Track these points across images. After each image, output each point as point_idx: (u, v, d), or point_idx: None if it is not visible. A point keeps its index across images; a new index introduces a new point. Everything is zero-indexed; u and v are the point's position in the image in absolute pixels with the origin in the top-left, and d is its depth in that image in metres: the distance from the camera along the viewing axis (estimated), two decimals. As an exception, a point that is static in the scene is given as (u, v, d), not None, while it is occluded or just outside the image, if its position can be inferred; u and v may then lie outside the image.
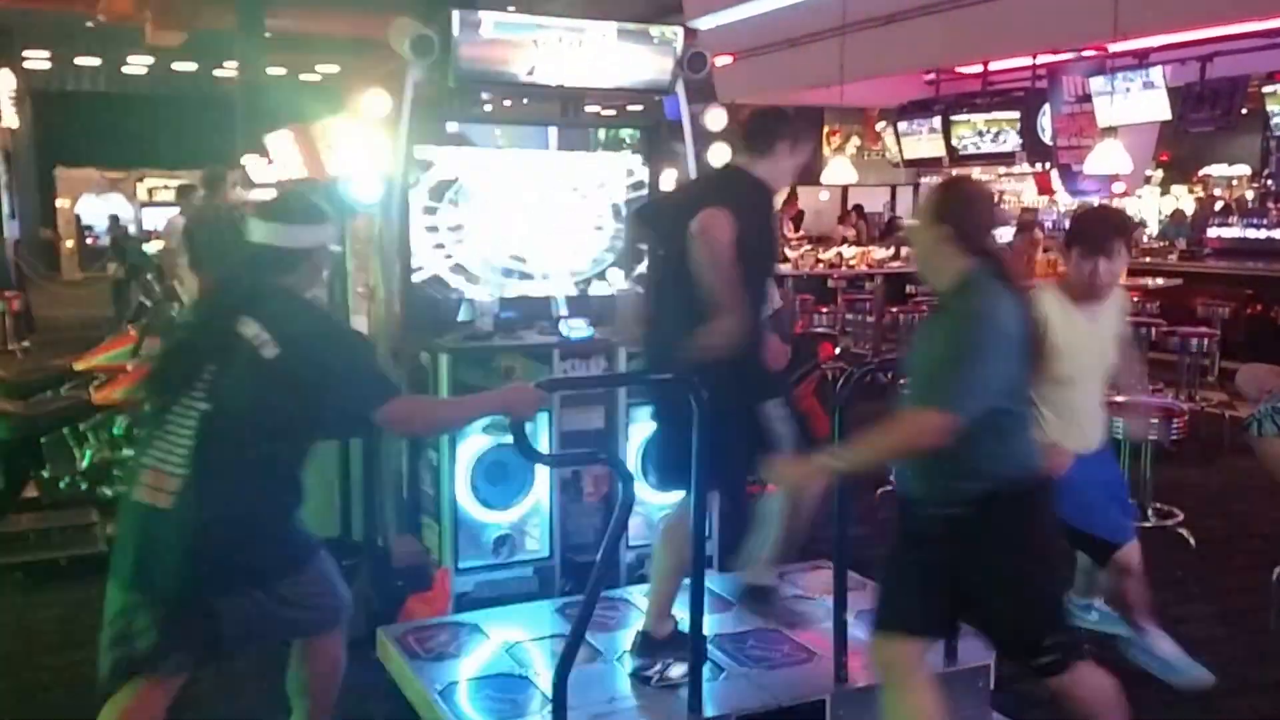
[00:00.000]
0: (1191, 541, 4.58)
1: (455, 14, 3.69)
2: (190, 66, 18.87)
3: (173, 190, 15.92)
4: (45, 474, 4.62)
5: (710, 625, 3.36)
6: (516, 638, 3.42)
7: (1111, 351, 3.40)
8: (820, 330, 7.70)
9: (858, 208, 16.00)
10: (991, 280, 2.45)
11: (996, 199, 3.09)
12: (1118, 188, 10.46)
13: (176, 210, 9.85)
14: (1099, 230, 3.33)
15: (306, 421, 2.57)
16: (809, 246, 11.00)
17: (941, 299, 2.56)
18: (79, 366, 5.32)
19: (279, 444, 2.51)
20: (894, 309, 9.21)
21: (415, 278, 3.89)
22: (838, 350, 6.89)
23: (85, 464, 4.68)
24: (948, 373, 2.41)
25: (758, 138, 3.20)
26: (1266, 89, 8.64)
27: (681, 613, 3.13)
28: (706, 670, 3.06)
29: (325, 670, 2.82)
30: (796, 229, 12.64)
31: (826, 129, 19.05)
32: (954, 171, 13.36)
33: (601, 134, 4.56)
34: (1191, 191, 16.83)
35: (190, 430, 2.40)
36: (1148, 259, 10.62)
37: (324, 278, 2.84)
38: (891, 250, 10.52)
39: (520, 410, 2.75)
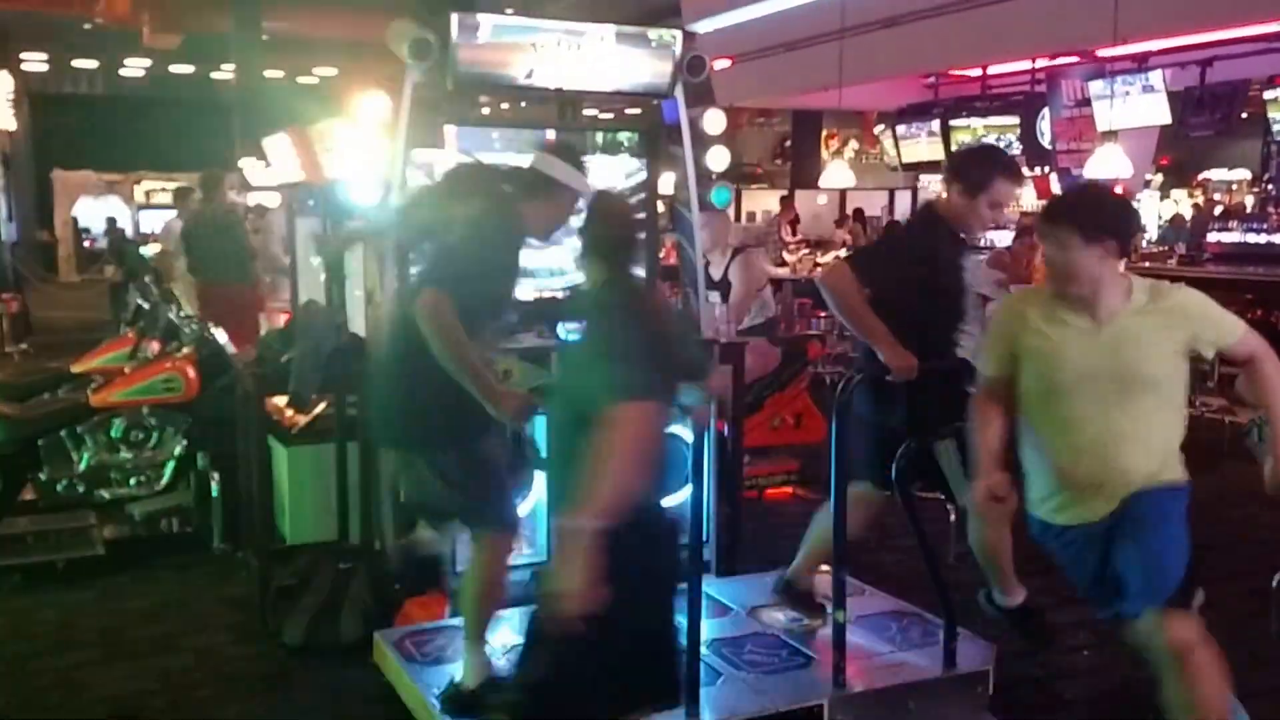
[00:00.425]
0: (1191, 547, 4.56)
1: (454, 17, 3.67)
2: (188, 69, 18.86)
3: (170, 193, 15.89)
4: (43, 477, 4.61)
5: (708, 630, 3.37)
6: (514, 642, 3.41)
7: (1148, 370, 2.64)
8: (813, 333, 7.70)
9: (857, 211, 16.00)
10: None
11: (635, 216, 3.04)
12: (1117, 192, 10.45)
13: (174, 213, 9.87)
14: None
15: None
16: (807, 250, 11.00)
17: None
18: (76, 369, 5.31)
19: None
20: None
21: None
22: (826, 350, 6.91)
23: (83, 466, 4.67)
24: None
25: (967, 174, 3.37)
26: (1267, 94, 8.64)
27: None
28: (704, 674, 3.06)
29: None
30: (794, 233, 12.65)
31: (825, 132, 19.11)
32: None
33: (600, 137, 4.54)
34: (1191, 196, 16.85)
35: None
36: (1147, 264, 10.61)
37: None
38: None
39: (504, 413, 2.75)
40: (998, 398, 2.78)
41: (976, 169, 3.36)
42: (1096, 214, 2.63)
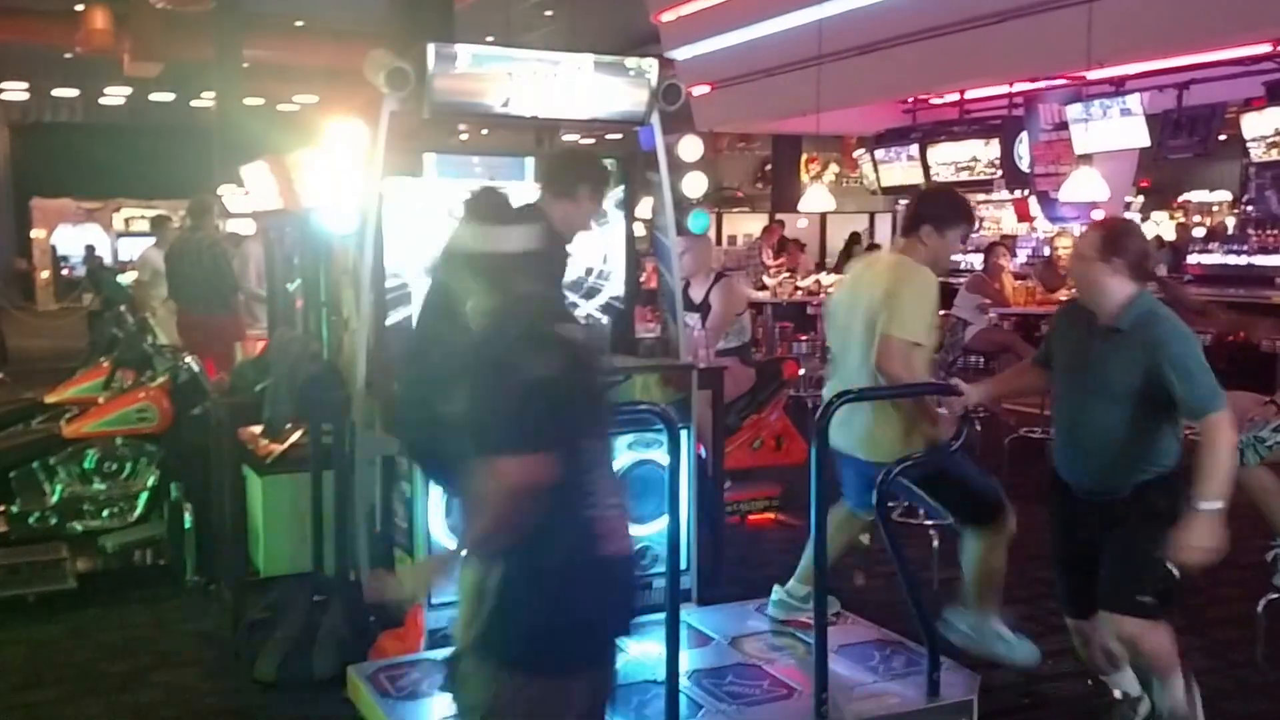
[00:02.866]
0: (1175, 573, 4.54)
1: (430, 47, 3.68)
2: (168, 97, 18.87)
3: (149, 221, 15.87)
4: (14, 509, 4.54)
5: (688, 660, 3.32)
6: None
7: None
8: (790, 356, 7.73)
9: (854, 235, 16.17)
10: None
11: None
12: (1097, 214, 10.53)
13: (151, 242, 9.80)
14: None
15: None
16: (788, 274, 11.02)
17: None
18: (50, 399, 5.24)
19: None
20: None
21: (390, 310, 3.86)
22: (802, 371, 6.93)
23: (55, 498, 4.60)
24: (1197, 372, 2.89)
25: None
26: (1244, 116, 8.73)
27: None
28: (684, 707, 3.01)
29: None
30: (776, 256, 12.65)
31: (805, 156, 19.25)
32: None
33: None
34: (1173, 218, 16.97)
35: None
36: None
37: None
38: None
39: None
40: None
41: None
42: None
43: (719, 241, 16.70)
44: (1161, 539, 2.87)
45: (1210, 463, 2.82)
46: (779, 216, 16.06)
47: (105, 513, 4.64)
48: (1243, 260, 11.72)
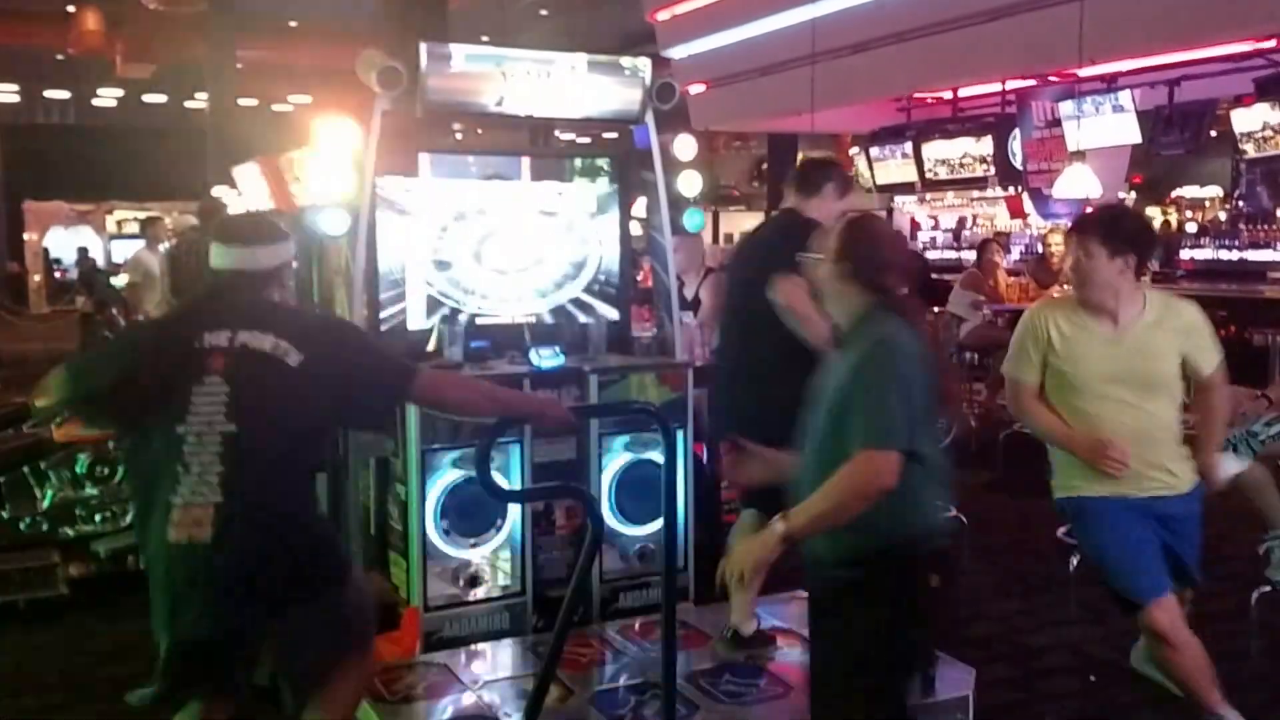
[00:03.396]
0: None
1: (423, 46, 3.66)
2: (160, 98, 18.82)
3: (140, 223, 15.77)
4: (4, 514, 4.51)
5: (685, 661, 3.32)
6: (487, 678, 3.35)
7: (1162, 372, 3.06)
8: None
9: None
10: (889, 314, 2.38)
11: (899, 238, 3.07)
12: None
13: (142, 243, 9.77)
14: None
15: (337, 419, 2.66)
16: (785, 273, 11.01)
17: (844, 337, 2.46)
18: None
19: (309, 448, 2.53)
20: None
21: (383, 311, 3.84)
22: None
23: (46, 503, 4.57)
24: (873, 407, 2.26)
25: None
26: (1235, 112, 8.74)
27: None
28: (681, 707, 3.01)
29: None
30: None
31: (801, 155, 19.22)
32: (927, 196, 13.51)
33: (578, 162, 4.53)
34: (1165, 214, 17.01)
35: (216, 455, 2.32)
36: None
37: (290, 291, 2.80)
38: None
39: (549, 421, 2.83)
40: (1039, 398, 3.15)
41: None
42: (1119, 229, 3.00)
43: (715, 240, 16.71)
44: None
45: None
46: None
47: (97, 517, 4.62)
48: (1234, 255, 11.75)
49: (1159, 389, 3.06)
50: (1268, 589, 4.09)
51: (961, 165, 10.44)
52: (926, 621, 2.44)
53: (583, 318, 4.11)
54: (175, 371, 2.39)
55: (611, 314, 4.15)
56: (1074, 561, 4.63)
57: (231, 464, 2.32)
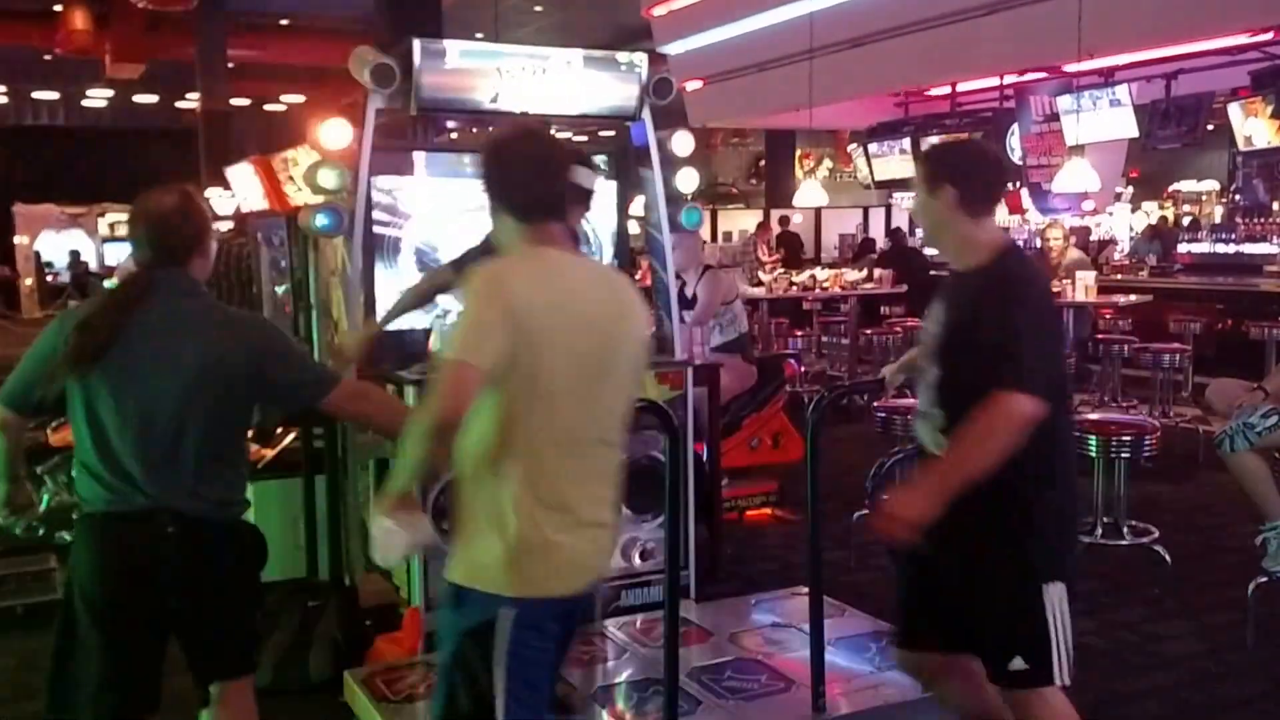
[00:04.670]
0: (1167, 558, 4.56)
1: (416, 43, 3.64)
2: (151, 98, 18.73)
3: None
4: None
5: (686, 658, 3.30)
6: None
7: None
8: (790, 352, 7.70)
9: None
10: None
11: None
12: (1087, 205, 10.55)
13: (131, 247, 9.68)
14: None
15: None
16: (782, 270, 11.00)
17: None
18: (37, 406, 5.18)
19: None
20: (868, 331, 9.22)
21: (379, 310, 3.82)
22: (801, 369, 6.91)
23: (42, 508, 4.54)
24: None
25: None
26: (1231, 106, 8.75)
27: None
28: (684, 703, 2.99)
29: None
30: (771, 252, 12.66)
31: (799, 151, 19.22)
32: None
33: (575, 160, 4.50)
34: (1162, 208, 17.02)
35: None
36: (1119, 276, 10.70)
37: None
38: (865, 272, 10.55)
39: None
40: None
41: None
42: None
43: (714, 238, 16.68)
44: None
45: None
46: (772, 212, 16.08)
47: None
48: (1231, 249, 11.77)
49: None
50: (1264, 580, 4.09)
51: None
52: None
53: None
54: None
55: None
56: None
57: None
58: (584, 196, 3.04)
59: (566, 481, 2.02)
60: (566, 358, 1.99)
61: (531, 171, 2.09)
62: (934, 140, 10.58)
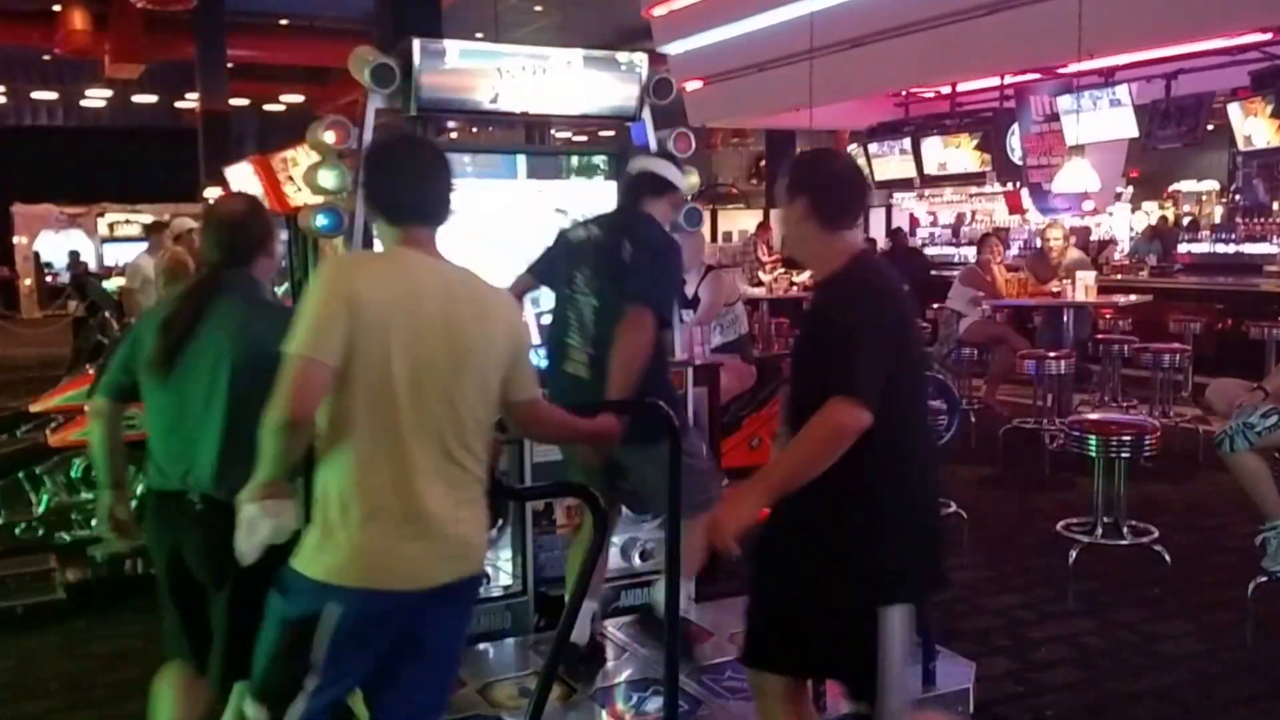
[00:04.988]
0: (1167, 558, 4.56)
1: (416, 43, 3.64)
2: (150, 99, 18.74)
3: (135, 225, 15.68)
4: (0, 519, 4.48)
5: (688, 657, 3.30)
6: (488, 677, 3.33)
7: None
8: (783, 352, 7.69)
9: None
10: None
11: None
12: (1088, 205, 10.56)
13: (144, 247, 9.70)
14: None
15: None
16: (782, 270, 11.00)
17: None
18: (35, 408, 5.17)
19: None
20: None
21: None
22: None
23: (42, 509, 4.55)
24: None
25: None
26: (1231, 106, 8.75)
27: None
28: (685, 703, 2.99)
29: None
30: (771, 251, 12.64)
31: (799, 151, 19.20)
32: (925, 192, 13.49)
33: (575, 160, 4.51)
34: (1162, 208, 17.00)
35: None
36: (1119, 276, 10.70)
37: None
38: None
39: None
40: None
41: None
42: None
43: (714, 238, 16.68)
44: None
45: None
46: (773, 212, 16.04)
47: (94, 522, 4.58)
48: (1231, 249, 11.77)
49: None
50: (1264, 579, 4.09)
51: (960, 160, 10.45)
52: None
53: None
54: None
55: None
56: (1073, 555, 4.64)
57: None
58: (664, 187, 3.33)
59: (395, 480, 2.02)
60: (405, 356, 2.02)
61: (402, 178, 2.17)
62: (934, 140, 10.61)
